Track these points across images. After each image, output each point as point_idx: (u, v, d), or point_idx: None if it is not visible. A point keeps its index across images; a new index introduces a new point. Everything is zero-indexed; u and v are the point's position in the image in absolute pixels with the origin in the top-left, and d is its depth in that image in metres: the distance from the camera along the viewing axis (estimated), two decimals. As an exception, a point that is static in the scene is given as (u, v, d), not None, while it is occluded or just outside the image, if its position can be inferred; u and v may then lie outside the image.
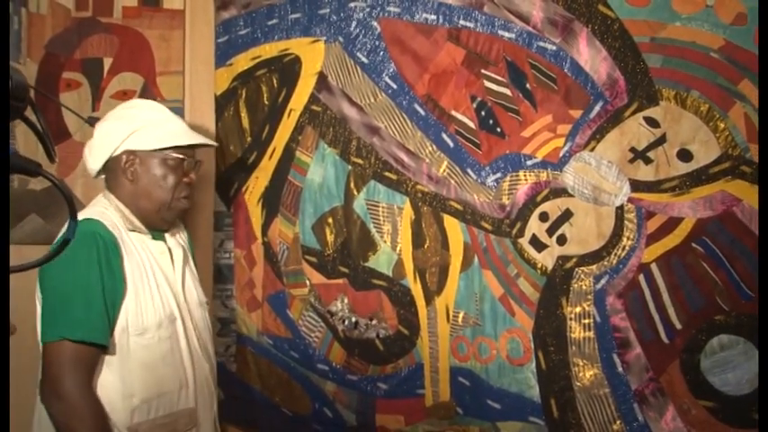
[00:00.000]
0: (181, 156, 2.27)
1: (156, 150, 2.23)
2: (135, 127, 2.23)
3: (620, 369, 2.49)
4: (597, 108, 2.51)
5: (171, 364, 2.17)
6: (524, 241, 2.62)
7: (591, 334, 2.53)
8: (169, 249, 2.30)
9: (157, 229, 2.30)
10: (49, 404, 2.00)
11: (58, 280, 2.05)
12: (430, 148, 2.71)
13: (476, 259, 2.68)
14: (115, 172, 2.24)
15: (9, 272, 1.11)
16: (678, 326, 2.43)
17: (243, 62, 2.97)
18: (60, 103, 2.78)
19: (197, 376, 2.24)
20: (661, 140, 2.44)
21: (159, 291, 2.18)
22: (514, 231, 2.63)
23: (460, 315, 2.71)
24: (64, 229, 2.06)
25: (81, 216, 2.12)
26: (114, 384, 2.09)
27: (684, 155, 2.42)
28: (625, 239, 2.50)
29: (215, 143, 2.50)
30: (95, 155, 2.24)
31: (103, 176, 2.29)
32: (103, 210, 2.20)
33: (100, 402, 2.05)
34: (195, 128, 2.74)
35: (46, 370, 2.01)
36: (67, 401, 1.99)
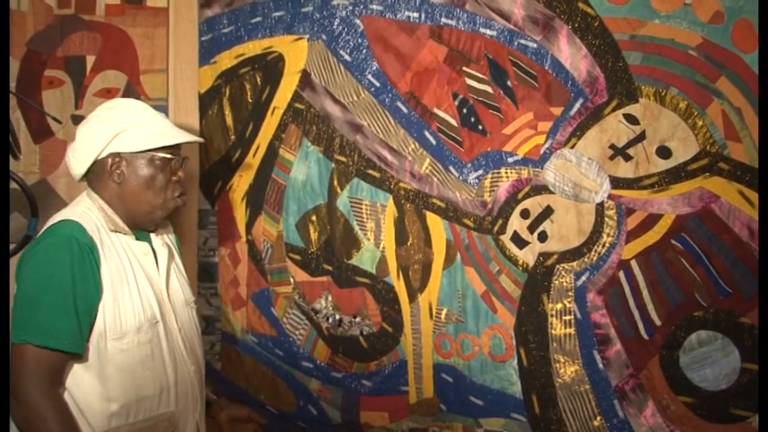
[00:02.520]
0: (168, 155, 2.24)
1: (142, 151, 2.21)
2: (119, 128, 2.20)
3: (600, 365, 2.53)
4: (577, 105, 2.55)
5: (151, 368, 2.15)
6: (506, 238, 2.66)
7: (572, 330, 2.57)
8: (153, 250, 2.29)
9: (143, 230, 2.29)
10: (11, 406, 1.97)
11: (30, 282, 2.04)
12: (413, 146, 2.75)
13: (458, 256, 2.72)
14: (101, 174, 2.22)
15: (9, 272, 1.11)
16: (657, 322, 2.47)
17: (226, 60, 2.99)
18: (32, 104, 2.80)
19: (179, 380, 2.22)
20: (640, 137, 2.49)
21: (140, 293, 2.16)
22: (496, 228, 2.67)
23: (443, 312, 2.75)
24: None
25: (61, 216, 2.14)
26: (93, 388, 2.07)
27: (663, 152, 2.47)
28: (605, 236, 2.54)
29: (201, 139, 2.51)
30: (79, 159, 2.22)
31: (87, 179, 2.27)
32: (85, 210, 2.18)
33: (64, 407, 2.03)
34: (179, 126, 2.75)
35: (10, 372, 1.99)
36: (27, 405, 1.97)
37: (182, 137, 2.28)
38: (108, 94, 2.94)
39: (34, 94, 2.93)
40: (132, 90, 2.97)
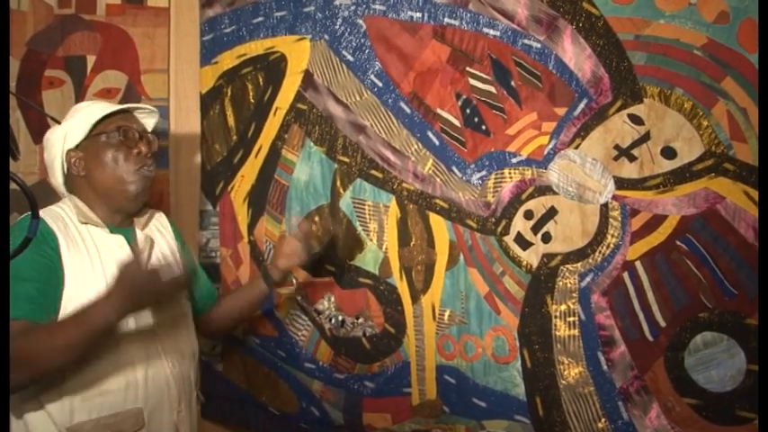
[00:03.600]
0: (113, 127, 2.28)
1: (89, 136, 2.27)
2: (66, 127, 2.28)
3: (604, 367, 2.51)
4: (582, 106, 2.53)
5: (115, 362, 2.13)
6: (509, 239, 2.64)
7: (576, 332, 2.55)
8: (130, 243, 2.29)
9: (129, 216, 2.34)
10: (18, 380, 1.87)
11: None
12: (415, 146, 2.74)
13: (461, 257, 2.71)
14: (72, 177, 2.30)
15: (9, 272, 1.13)
16: (662, 323, 2.45)
17: (228, 60, 3.00)
18: (32, 104, 2.82)
19: (151, 376, 2.21)
20: (645, 138, 2.46)
21: (107, 285, 2.07)
22: (499, 229, 2.65)
23: (446, 313, 2.73)
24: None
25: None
26: (53, 381, 2.06)
27: (668, 152, 2.44)
28: (609, 237, 2.52)
29: (145, 106, 2.45)
30: (51, 170, 2.32)
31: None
32: (57, 208, 2.24)
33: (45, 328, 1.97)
34: (180, 126, 2.80)
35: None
36: (23, 356, 1.86)
37: (113, 106, 2.32)
38: (108, 93, 2.98)
39: (34, 94, 2.96)
40: (133, 90, 2.99)
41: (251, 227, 3.00)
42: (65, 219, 2.20)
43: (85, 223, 2.22)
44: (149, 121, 2.44)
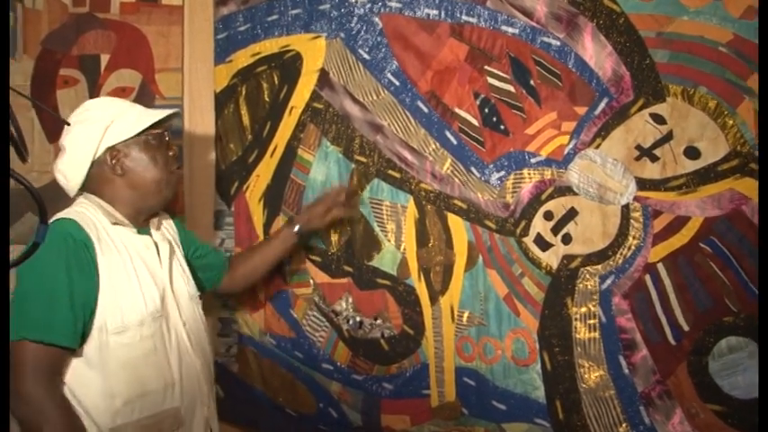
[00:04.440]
0: (159, 131, 2.32)
1: (135, 136, 2.26)
2: (106, 123, 2.24)
3: (626, 371, 2.48)
4: (602, 105, 2.49)
5: (154, 363, 2.18)
6: (529, 240, 2.62)
7: (596, 335, 2.52)
8: (155, 244, 2.32)
9: (150, 218, 2.36)
10: (13, 406, 1.96)
11: (25, 280, 2.06)
12: (433, 146, 2.71)
13: (480, 258, 2.68)
14: (100, 174, 2.26)
15: (8, 272, 1.18)
16: (685, 327, 2.42)
17: (243, 59, 2.97)
18: (40, 105, 2.83)
19: (184, 374, 2.25)
20: (668, 138, 2.43)
21: (142, 287, 2.19)
22: (519, 230, 2.63)
23: (465, 315, 2.71)
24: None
25: (57, 216, 2.17)
26: (96, 384, 2.10)
27: (692, 152, 2.40)
28: (631, 239, 2.48)
29: (177, 110, 2.49)
30: (76, 167, 2.25)
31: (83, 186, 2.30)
32: (82, 209, 2.22)
33: (66, 402, 2.06)
34: (194, 125, 2.86)
35: (11, 370, 1.97)
36: (27, 401, 1.99)
37: (163, 112, 2.35)
38: (123, 92, 2.94)
39: (49, 93, 2.94)
40: (147, 89, 2.97)
41: (266, 227, 2.98)
42: (94, 220, 2.19)
43: (116, 224, 2.23)
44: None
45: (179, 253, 2.45)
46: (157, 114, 2.31)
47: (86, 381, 2.10)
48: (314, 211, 2.73)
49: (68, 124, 2.27)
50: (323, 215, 2.72)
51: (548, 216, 2.60)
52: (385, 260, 2.82)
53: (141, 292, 2.18)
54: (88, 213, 2.21)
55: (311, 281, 2.91)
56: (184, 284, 2.38)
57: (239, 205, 3.01)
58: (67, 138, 2.26)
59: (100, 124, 2.24)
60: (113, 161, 2.25)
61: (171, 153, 2.35)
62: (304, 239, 2.77)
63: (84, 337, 2.10)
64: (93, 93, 2.94)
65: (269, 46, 2.93)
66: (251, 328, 3.03)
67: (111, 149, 2.25)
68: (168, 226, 2.47)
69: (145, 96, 2.95)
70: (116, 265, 2.16)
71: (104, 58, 2.97)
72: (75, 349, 2.08)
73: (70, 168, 2.26)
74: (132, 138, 2.26)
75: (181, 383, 2.23)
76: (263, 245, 2.80)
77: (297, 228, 2.71)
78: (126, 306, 2.14)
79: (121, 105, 2.34)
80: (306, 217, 2.73)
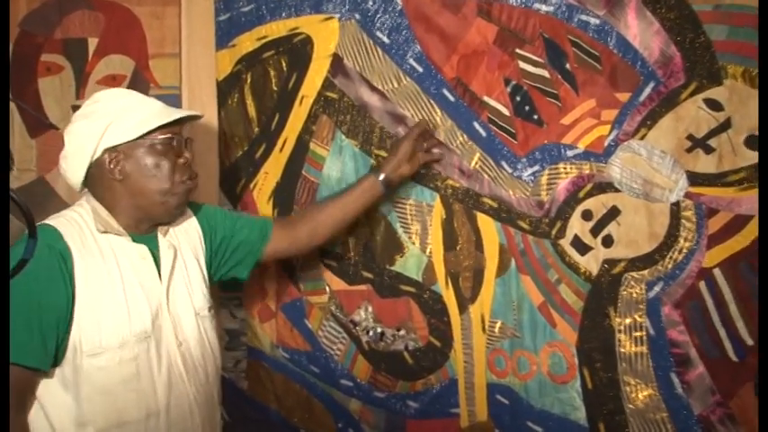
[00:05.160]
0: (168, 135, 2.18)
1: (138, 138, 2.14)
2: (108, 120, 2.13)
3: (679, 390, 2.42)
4: (648, 90, 2.42)
5: (136, 389, 2.09)
6: (566, 243, 2.55)
7: (644, 349, 2.46)
8: (153, 253, 2.21)
9: (158, 224, 2.25)
10: None
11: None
12: (461, 139, 2.63)
13: (513, 263, 2.61)
14: (100, 175, 2.15)
15: (9, 272, 1.24)
16: (749, 342, 2.34)
17: (247, 43, 2.87)
18: (24, 106, 2.74)
19: (173, 404, 2.16)
20: (725, 126, 2.35)
21: (128, 303, 2.10)
22: (554, 231, 2.56)
23: (497, 325, 2.64)
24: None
25: (41, 222, 2.09)
26: (69, 409, 2.04)
27: (753, 142, 2.32)
28: (682, 241, 2.41)
29: (198, 113, 2.40)
30: (74, 164, 2.16)
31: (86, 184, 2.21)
32: (73, 213, 2.15)
33: (26, 429, 2.02)
34: None
35: None
36: None
37: (176, 113, 2.22)
38: (113, 81, 2.85)
39: (29, 81, 2.84)
40: (140, 77, 2.88)
41: None
42: (81, 226, 2.11)
43: (105, 232, 2.13)
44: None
45: (189, 260, 2.33)
46: (168, 116, 2.19)
47: (60, 404, 2.04)
48: (401, 152, 2.57)
49: (56, 128, 2.17)
50: (410, 157, 2.56)
51: (586, 216, 2.52)
52: (409, 265, 2.75)
53: (127, 308, 2.09)
54: (79, 219, 2.13)
55: (327, 288, 2.83)
56: (188, 298, 2.26)
57: (246, 205, 2.94)
58: (70, 129, 2.17)
59: (101, 122, 2.13)
60: (112, 164, 2.14)
61: (181, 161, 2.21)
62: (390, 190, 2.63)
63: (58, 356, 2.03)
64: (81, 81, 2.85)
65: (276, 28, 2.82)
66: (261, 340, 2.96)
67: (111, 151, 2.14)
68: (183, 228, 2.35)
69: (138, 85, 2.84)
70: (99, 278, 2.07)
71: (92, 43, 2.86)
72: (46, 371, 2.02)
73: (68, 167, 2.18)
74: (135, 140, 2.14)
75: (168, 414, 2.14)
76: (339, 197, 2.64)
77: (382, 176, 2.56)
78: (106, 325, 2.05)
79: (131, 100, 2.22)
80: (392, 164, 2.57)
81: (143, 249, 2.18)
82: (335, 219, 2.58)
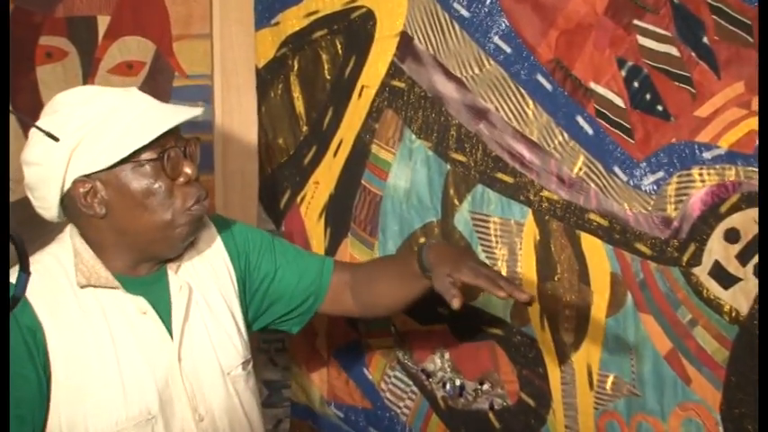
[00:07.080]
0: (157, 150, 1.88)
1: (117, 164, 1.85)
2: (71, 142, 1.83)
3: None
4: None
5: None
6: (702, 272, 2.29)
7: None
8: (161, 299, 2.00)
9: (164, 260, 2.03)
10: None
11: None
12: (560, 138, 2.44)
13: (629, 298, 2.39)
14: (77, 210, 1.89)
15: (8, 272, 1.21)
16: None
17: (294, 20, 2.83)
18: (22, 117, 2.57)
19: None
20: None
21: (123, 378, 1.90)
22: (686, 258, 2.32)
23: (609, 379, 2.43)
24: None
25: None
26: None
27: None
28: None
29: (199, 111, 2.06)
30: (40, 198, 1.90)
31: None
32: (53, 258, 1.93)
33: None
34: (229, 113, 2.81)
35: None
36: None
37: (168, 119, 1.91)
38: (129, 70, 2.82)
39: (25, 70, 2.79)
40: (162, 64, 2.86)
41: (330, 252, 2.82)
42: (57, 278, 1.90)
43: (87, 286, 1.91)
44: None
45: (213, 302, 2.11)
46: (156, 127, 1.88)
47: None
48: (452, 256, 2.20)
49: (56, 139, 1.87)
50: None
51: (731, 237, 2.27)
52: (494, 300, 2.55)
53: (121, 385, 1.90)
54: (56, 269, 1.92)
55: (392, 328, 2.74)
56: (212, 354, 2.05)
57: (292, 223, 2.92)
58: (23, 160, 1.91)
59: (65, 143, 1.83)
60: (88, 198, 1.87)
61: (181, 179, 1.92)
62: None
63: None
64: (89, 70, 2.78)
65: (329, 2, 2.77)
66: (308, 394, 2.94)
67: (81, 182, 1.86)
68: (204, 258, 2.13)
69: (160, 74, 2.82)
70: (82, 351, 1.90)
71: (103, 22, 2.79)
72: None
73: (35, 200, 1.94)
74: (112, 166, 1.86)
75: None
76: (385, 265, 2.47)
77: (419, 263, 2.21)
78: (93, 410, 1.88)
79: (102, 107, 1.89)
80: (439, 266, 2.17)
81: (141, 302, 1.97)
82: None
